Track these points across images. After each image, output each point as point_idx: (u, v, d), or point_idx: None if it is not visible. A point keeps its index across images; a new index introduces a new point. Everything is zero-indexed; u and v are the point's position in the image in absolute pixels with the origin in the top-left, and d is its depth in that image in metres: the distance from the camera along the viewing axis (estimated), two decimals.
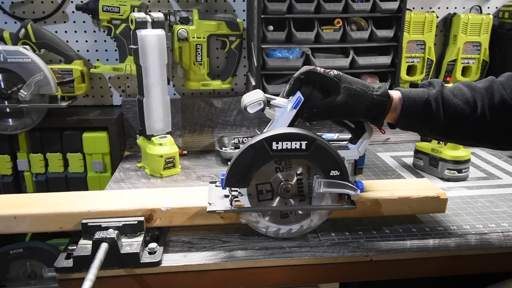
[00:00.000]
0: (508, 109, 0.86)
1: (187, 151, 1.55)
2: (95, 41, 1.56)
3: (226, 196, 0.94)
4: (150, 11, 1.38)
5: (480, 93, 0.88)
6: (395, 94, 0.89)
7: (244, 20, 1.55)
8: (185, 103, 1.56)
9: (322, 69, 0.87)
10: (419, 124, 0.90)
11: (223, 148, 1.49)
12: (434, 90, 0.88)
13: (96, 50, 1.57)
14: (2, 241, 1.57)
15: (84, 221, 0.90)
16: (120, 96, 1.62)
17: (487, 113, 0.86)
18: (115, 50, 1.54)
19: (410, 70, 1.64)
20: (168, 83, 1.40)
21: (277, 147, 0.84)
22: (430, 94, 0.87)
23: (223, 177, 0.87)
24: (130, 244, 0.87)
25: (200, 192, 1.00)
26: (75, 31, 1.54)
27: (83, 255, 0.83)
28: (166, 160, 1.33)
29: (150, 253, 0.88)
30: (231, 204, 0.91)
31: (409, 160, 1.45)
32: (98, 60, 1.54)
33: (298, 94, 0.87)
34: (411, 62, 1.61)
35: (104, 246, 0.82)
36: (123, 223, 0.90)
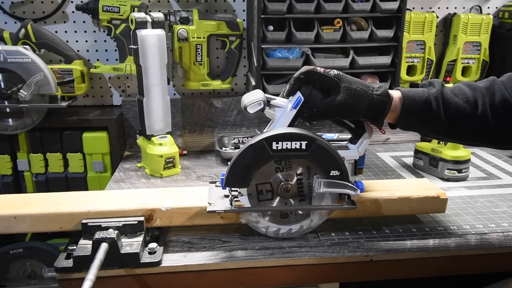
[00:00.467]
0: (510, 108, 0.86)
1: (187, 151, 1.55)
2: (95, 41, 1.56)
3: (226, 196, 0.94)
4: (150, 11, 1.38)
5: (481, 92, 0.88)
6: (395, 93, 0.89)
7: (244, 20, 1.55)
8: (185, 103, 1.56)
9: (322, 69, 0.87)
10: (419, 124, 0.90)
11: (223, 148, 1.49)
12: (434, 90, 0.88)
13: (96, 50, 1.57)
14: (2, 241, 1.57)
15: (84, 221, 0.90)
16: (120, 96, 1.62)
17: (489, 113, 0.86)
18: (115, 50, 1.54)
19: (410, 70, 1.64)
20: (168, 83, 1.40)
21: (277, 147, 0.84)
22: (431, 93, 0.87)
23: (223, 177, 0.87)
24: (130, 244, 0.87)
25: (200, 192, 1.00)
26: (75, 31, 1.54)
27: (83, 255, 0.83)
28: (166, 160, 1.33)
29: (150, 253, 0.88)
30: (231, 204, 0.91)
31: (409, 160, 1.45)
32: (98, 60, 1.54)
33: (298, 94, 0.87)
34: (411, 62, 1.61)
35: (104, 246, 0.82)
36: (123, 223, 0.90)
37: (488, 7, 1.67)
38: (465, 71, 1.66)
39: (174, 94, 1.63)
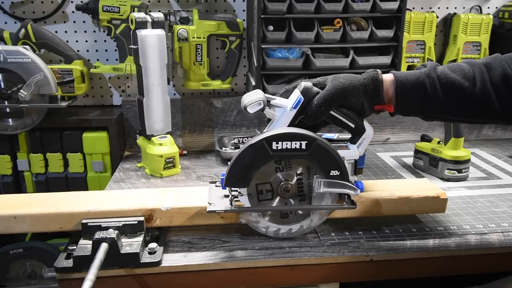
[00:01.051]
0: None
1: (187, 151, 1.55)
2: (95, 41, 1.56)
3: (226, 196, 0.94)
4: (150, 11, 1.38)
5: (478, 68, 0.87)
6: (388, 76, 0.89)
7: (244, 20, 1.55)
8: (185, 103, 1.56)
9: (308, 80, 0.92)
10: (417, 104, 0.88)
11: (223, 148, 1.49)
12: (425, 68, 0.88)
13: (96, 50, 1.57)
14: (2, 241, 1.57)
15: (84, 221, 0.90)
16: (120, 96, 1.62)
17: (489, 88, 0.85)
18: (115, 50, 1.54)
19: (410, 70, 1.63)
20: (168, 83, 1.40)
21: (277, 147, 0.84)
22: (422, 71, 0.88)
23: (223, 177, 0.87)
24: (130, 244, 0.87)
25: (200, 192, 1.00)
26: (75, 31, 1.54)
27: (83, 255, 0.83)
28: (166, 160, 1.33)
29: (150, 253, 0.88)
30: (231, 204, 0.91)
31: (409, 160, 1.45)
32: (98, 60, 1.54)
33: (298, 94, 0.87)
34: (411, 62, 1.61)
35: (104, 246, 0.82)
36: (123, 223, 0.90)
37: (488, 7, 1.67)
38: None
39: (174, 94, 1.63)
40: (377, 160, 1.48)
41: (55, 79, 1.38)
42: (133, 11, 1.42)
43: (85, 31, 1.55)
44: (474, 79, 0.86)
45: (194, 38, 1.48)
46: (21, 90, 1.33)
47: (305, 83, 0.88)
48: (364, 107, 0.90)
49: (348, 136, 0.95)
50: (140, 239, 0.89)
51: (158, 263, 0.87)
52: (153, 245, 0.89)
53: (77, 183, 1.52)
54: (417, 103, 0.88)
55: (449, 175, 1.29)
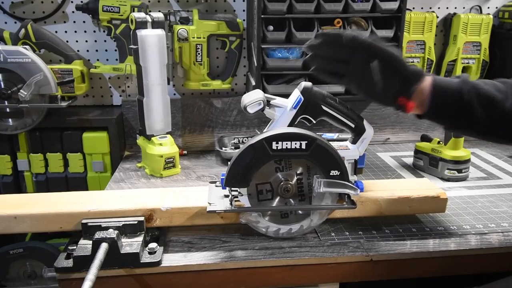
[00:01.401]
0: None
1: (187, 151, 1.55)
2: (95, 41, 1.56)
3: (226, 196, 0.95)
4: (150, 11, 1.38)
5: (511, 85, 0.85)
6: (427, 76, 0.87)
7: (244, 20, 1.55)
8: (185, 103, 1.56)
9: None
10: (450, 109, 0.86)
11: (223, 148, 1.49)
12: (460, 78, 0.86)
13: (96, 50, 1.57)
14: (2, 241, 1.57)
15: (84, 221, 0.90)
16: (120, 96, 1.62)
17: None
18: (115, 50, 1.54)
19: None
20: (168, 83, 1.40)
21: (277, 147, 0.84)
22: (457, 81, 0.86)
23: (223, 177, 0.88)
24: (130, 244, 0.87)
25: (200, 192, 1.00)
26: (75, 31, 1.54)
27: (83, 255, 0.83)
28: (166, 160, 1.33)
29: (150, 253, 0.88)
30: (231, 204, 0.91)
31: (409, 160, 1.45)
32: (98, 60, 1.54)
33: (298, 94, 0.88)
34: (411, 62, 1.61)
35: (104, 246, 0.82)
36: (123, 223, 0.90)
37: (488, 7, 1.67)
38: (465, 71, 1.66)
39: (174, 94, 1.63)
40: (377, 160, 1.48)
41: (55, 79, 1.38)
42: (133, 11, 1.42)
43: (85, 31, 1.55)
44: (506, 93, 0.84)
45: (194, 38, 1.48)
46: (21, 90, 1.33)
47: (305, 83, 0.88)
48: (389, 90, 0.85)
49: (348, 136, 0.96)
50: (140, 239, 0.89)
51: (158, 263, 0.87)
52: (153, 245, 0.89)
53: (77, 183, 1.52)
54: (451, 107, 0.85)
55: (449, 175, 1.29)
